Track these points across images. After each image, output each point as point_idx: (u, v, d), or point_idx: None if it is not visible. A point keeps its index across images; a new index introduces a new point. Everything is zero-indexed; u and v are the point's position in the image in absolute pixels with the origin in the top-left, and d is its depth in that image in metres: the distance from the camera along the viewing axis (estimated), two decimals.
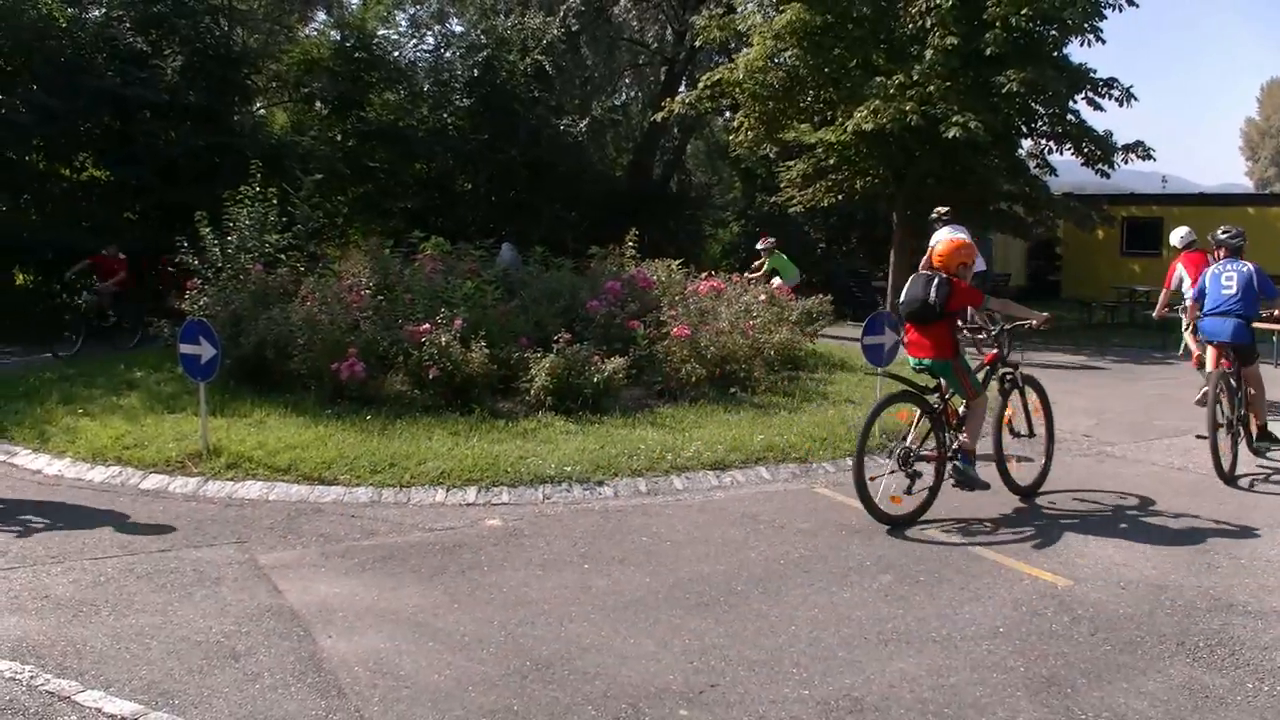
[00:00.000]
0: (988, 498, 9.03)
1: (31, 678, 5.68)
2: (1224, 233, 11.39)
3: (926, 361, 8.91)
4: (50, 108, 20.56)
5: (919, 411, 8.93)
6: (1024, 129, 22.62)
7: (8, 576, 7.40)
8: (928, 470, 8.82)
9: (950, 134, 18.92)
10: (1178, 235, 14.43)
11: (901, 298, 9.17)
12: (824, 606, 6.83)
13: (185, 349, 10.59)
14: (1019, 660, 5.99)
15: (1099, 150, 21.77)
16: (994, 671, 5.84)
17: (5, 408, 12.74)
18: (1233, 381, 10.48)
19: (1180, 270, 13.96)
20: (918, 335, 8.93)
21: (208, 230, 15.08)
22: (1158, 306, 14.48)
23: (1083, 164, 22.34)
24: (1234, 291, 10.63)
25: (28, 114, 20.62)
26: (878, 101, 19.63)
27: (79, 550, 8.02)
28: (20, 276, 22.31)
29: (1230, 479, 10.07)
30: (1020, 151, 23.27)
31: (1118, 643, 6.24)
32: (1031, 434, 9.86)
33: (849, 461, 10.64)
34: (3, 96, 21.28)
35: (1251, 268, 10.65)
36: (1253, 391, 10.67)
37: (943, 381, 9.06)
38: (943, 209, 15.94)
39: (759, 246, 20.85)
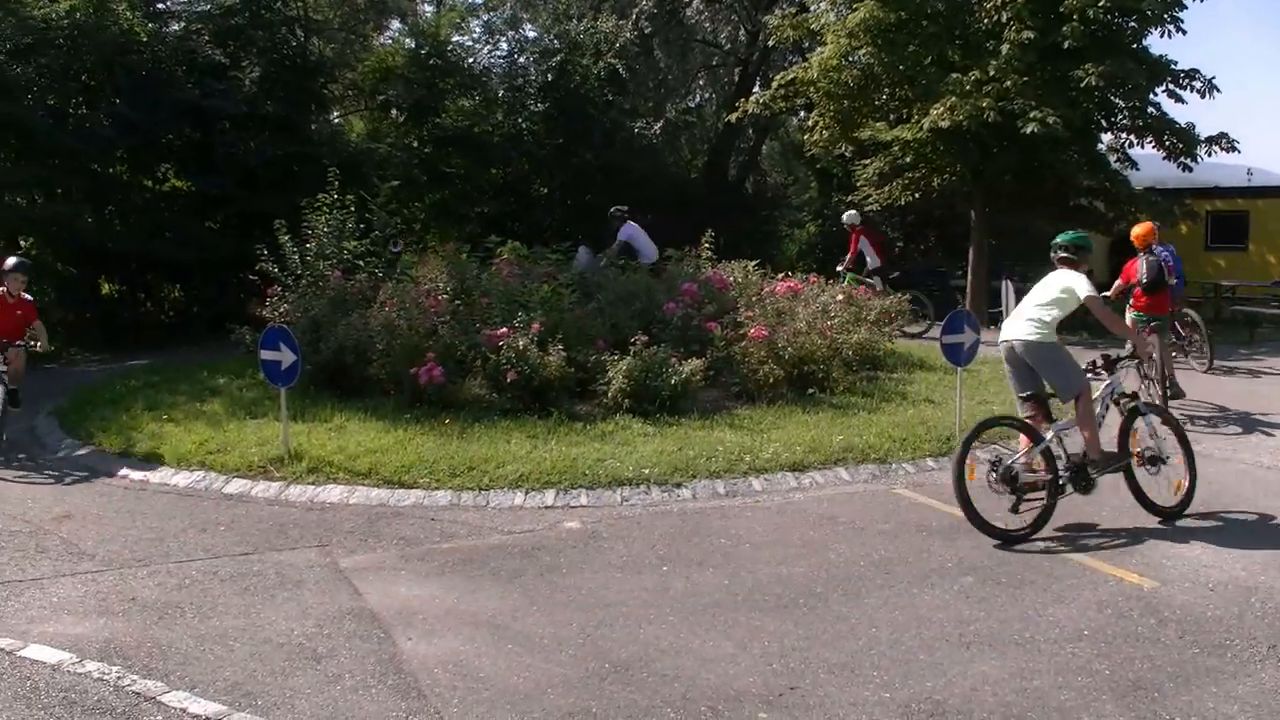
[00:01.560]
0: (1071, 500, 8.90)
1: (119, 678, 5.77)
2: None
3: None
4: (132, 120, 20.85)
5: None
6: (1103, 123, 22.25)
7: (96, 579, 7.53)
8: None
9: (1028, 130, 18.67)
10: None
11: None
12: (905, 608, 6.79)
13: (266, 355, 10.72)
14: (1104, 664, 5.90)
15: (1181, 143, 21.37)
16: (1079, 675, 5.76)
17: (93, 414, 12.96)
18: None
19: None
20: None
21: (287, 238, 15.23)
22: None
23: (1164, 157, 21.93)
24: None
25: (111, 126, 20.93)
26: (954, 98, 19.41)
27: (164, 554, 8.15)
28: (106, 286, 22.65)
29: None
30: (1100, 146, 22.90)
31: (1206, 646, 6.14)
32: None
33: (929, 462, 10.65)
34: (87, 110, 21.64)
35: None
36: None
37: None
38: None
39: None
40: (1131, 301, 14.03)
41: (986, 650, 6.12)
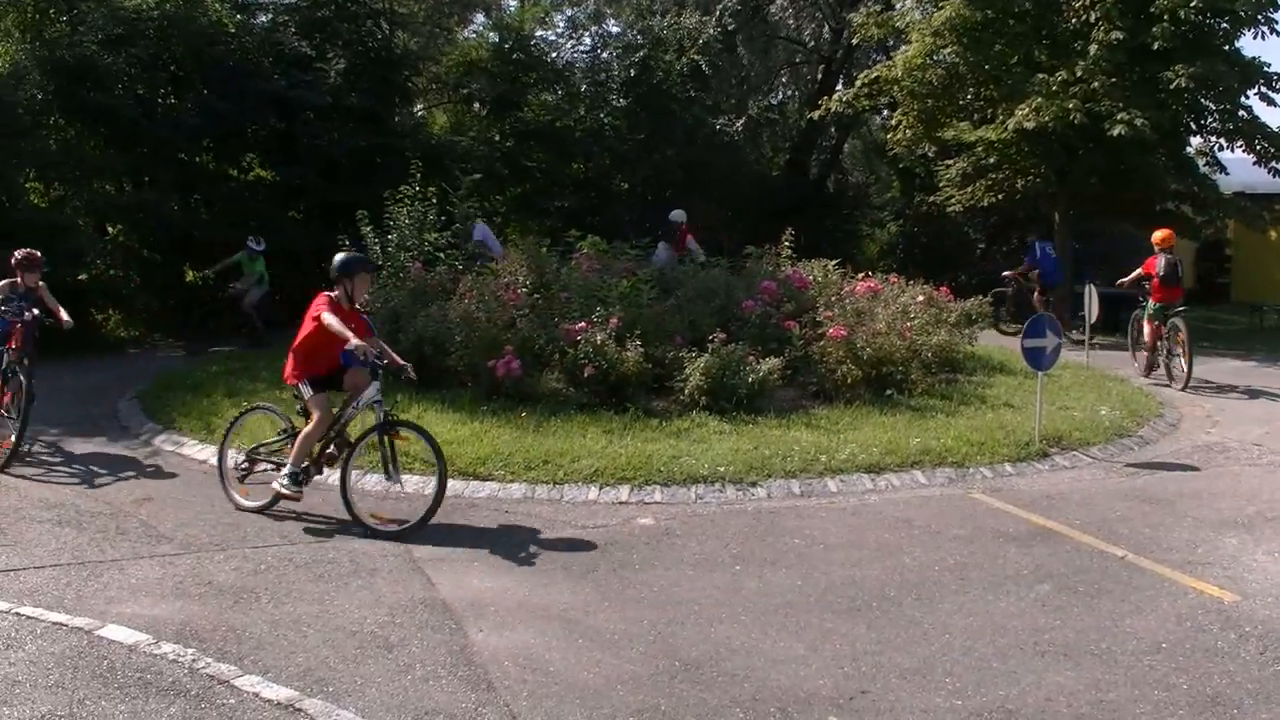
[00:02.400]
0: (1151, 506, 8.76)
1: (193, 661, 5.83)
2: None
3: None
4: (219, 110, 21.13)
5: None
6: (1192, 126, 21.90)
7: (173, 562, 7.62)
8: None
9: (1115, 132, 18.41)
10: None
11: None
12: (979, 615, 6.70)
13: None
14: (1182, 678, 5.79)
15: (1272, 147, 20.98)
16: (1155, 688, 5.66)
17: (174, 400, 13.13)
18: None
19: None
20: None
21: (368, 229, 15.34)
22: None
23: (1255, 162, 21.55)
24: None
25: (198, 116, 21.22)
26: (1039, 99, 19.19)
27: (241, 539, 8.24)
28: (190, 273, 22.96)
29: None
30: (1188, 149, 22.55)
31: None
32: None
33: (1008, 467, 10.53)
34: (175, 100, 21.97)
35: None
36: None
37: None
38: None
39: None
40: (1151, 294, 15.81)
41: (1062, 660, 6.03)
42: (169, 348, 19.19)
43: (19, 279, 11.36)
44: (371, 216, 15.49)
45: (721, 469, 9.88)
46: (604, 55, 31.00)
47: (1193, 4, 18.76)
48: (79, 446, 11.43)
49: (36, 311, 11.17)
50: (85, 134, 21.15)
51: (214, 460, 10.27)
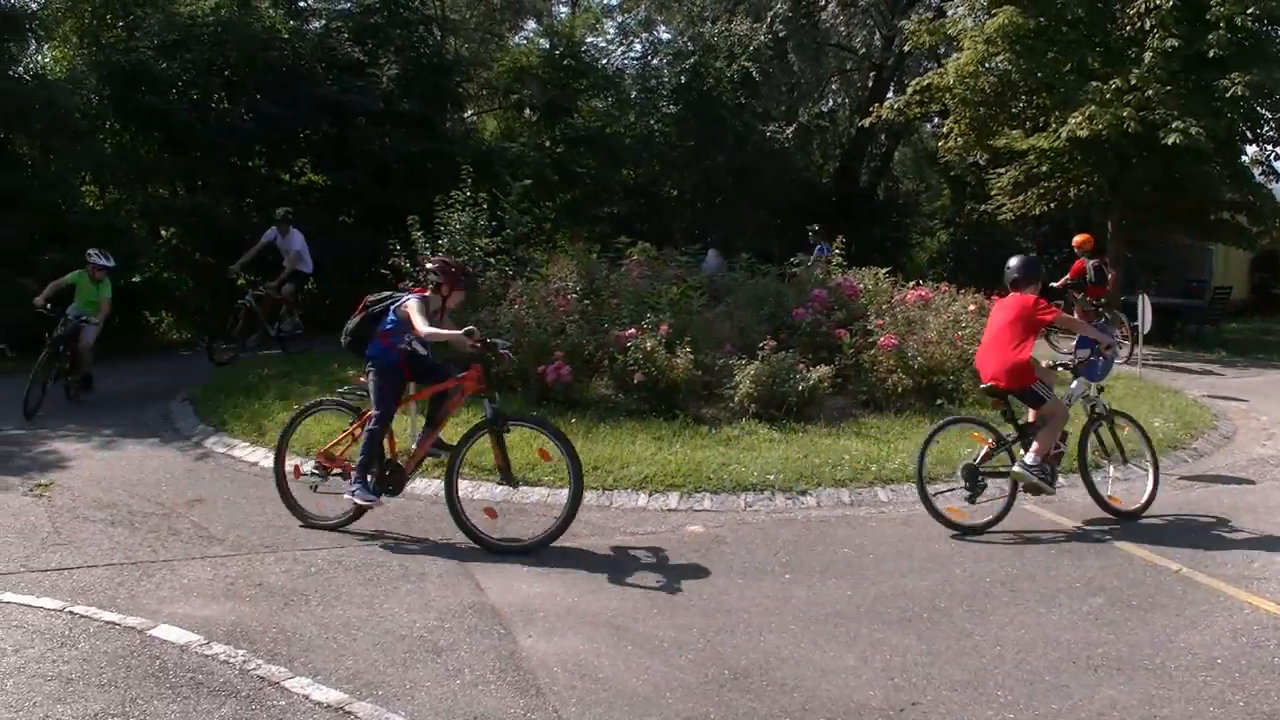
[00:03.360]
0: (1206, 519, 8.66)
1: (244, 662, 5.86)
2: None
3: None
4: (272, 115, 21.30)
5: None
6: (1248, 134, 21.68)
7: (225, 564, 7.67)
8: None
9: (1170, 140, 18.22)
10: None
11: None
12: (1031, 627, 6.64)
13: None
14: (1238, 694, 5.71)
15: None
16: (1210, 705, 5.58)
17: (225, 402, 13.21)
18: None
19: None
20: None
21: (419, 234, 15.39)
22: None
23: None
24: None
25: (251, 121, 21.41)
26: (1093, 107, 19.03)
27: (291, 541, 8.27)
28: (241, 277, 23.12)
29: None
30: (1243, 158, 22.33)
31: None
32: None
33: (1060, 479, 10.34)
34: (228, 105, 22.15)
35: None
36: None
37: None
38: None
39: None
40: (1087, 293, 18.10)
41: (1115, 674, 5.95)
42: (219, 350, 19.30)
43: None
44: (422, 221, 15.54)
45: (771, 477, 9.84)
46: (654, 62, 31.08)
47: (1250, 11, 18.53)
48: (131, 447, 11.53)
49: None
50: (140, 138, 21.39)
51: (267, 463, 10.37)
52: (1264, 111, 20.79)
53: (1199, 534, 8.67)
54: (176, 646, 6.06)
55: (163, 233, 21.94)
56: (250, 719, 5.25)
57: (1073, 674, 5.96)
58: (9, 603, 6.71)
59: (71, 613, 6.53)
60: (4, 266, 17.62)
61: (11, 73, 19.64)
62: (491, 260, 15.53)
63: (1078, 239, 17.84)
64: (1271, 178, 22.38)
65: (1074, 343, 11.74)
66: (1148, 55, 18.97)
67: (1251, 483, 10.58)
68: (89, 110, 20.30)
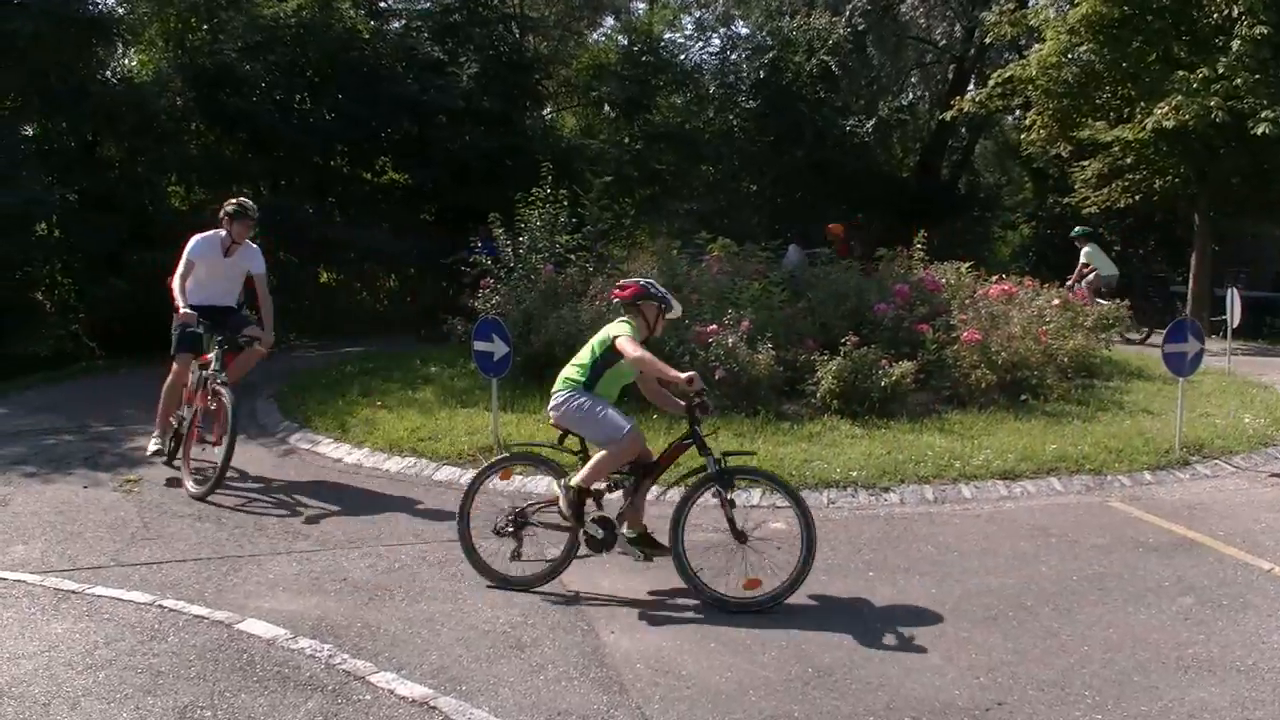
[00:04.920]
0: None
1: (330, 656, 5.91)
2: None
3: None
4: (354, 114, 21.54)
5: None
6: None
7: (310, 559, 7.74)
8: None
9: (1259, 130, 17.89)
10: None
11: None
12: (1119, 627, 6.53)
13: (479, 346, 10.92)
14: None
15: None
16: None
17: (309, 399, 13.37)
18: None
19: None
20: None
21: (500, 230, 15.46)
22: None
23: None
24: None
25: (333, 121, 21.64)
26: (1179, 97, 18.72)
27: (375, 536, 8.34)
28: (324, 275, 23.38)
29: None
30: None
31: None
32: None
33: (1147, 475, 10.27)
34: (311, 105, 22.39)
35: None
36: None
37: None
38: None
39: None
40: None
41: (1206, 675, 5.85)
42: (304, 348, 19.54)
43: None
44: (503, 219, 15.61)
45: (854, 473, 9.78)
46: (733, 57, 31.04)
47: None
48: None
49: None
50: (225, 139, 21.70)
51: (350, 459, 10.49)
52: None
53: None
54: (263, 640, 6.13)
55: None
56: (336, 713, 5.29)
57: (1162, 675, 5.86)
58: (101, 596, 6.82)
59: (161, 606, 6.63)
60: (95, 268, 17.95)
61: (100, 77, 20.00)
62: (572, 257, 15.55)
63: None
64: None
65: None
66: (1235, 43, 18.62)
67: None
68: (175, 112, 20.63)
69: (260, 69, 20.98)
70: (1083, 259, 20.28)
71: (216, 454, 9.68)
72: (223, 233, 10.34)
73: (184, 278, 10.16)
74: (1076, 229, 21.57)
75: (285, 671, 5.72)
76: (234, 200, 10.59)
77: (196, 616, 6.47)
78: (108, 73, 20.76)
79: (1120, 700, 5.54)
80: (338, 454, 11.16)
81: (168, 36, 21.60)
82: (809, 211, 28.09)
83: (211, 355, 9.95)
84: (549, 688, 5.63)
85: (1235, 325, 16.99)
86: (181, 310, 9.89)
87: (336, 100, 22.00)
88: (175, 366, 10.39)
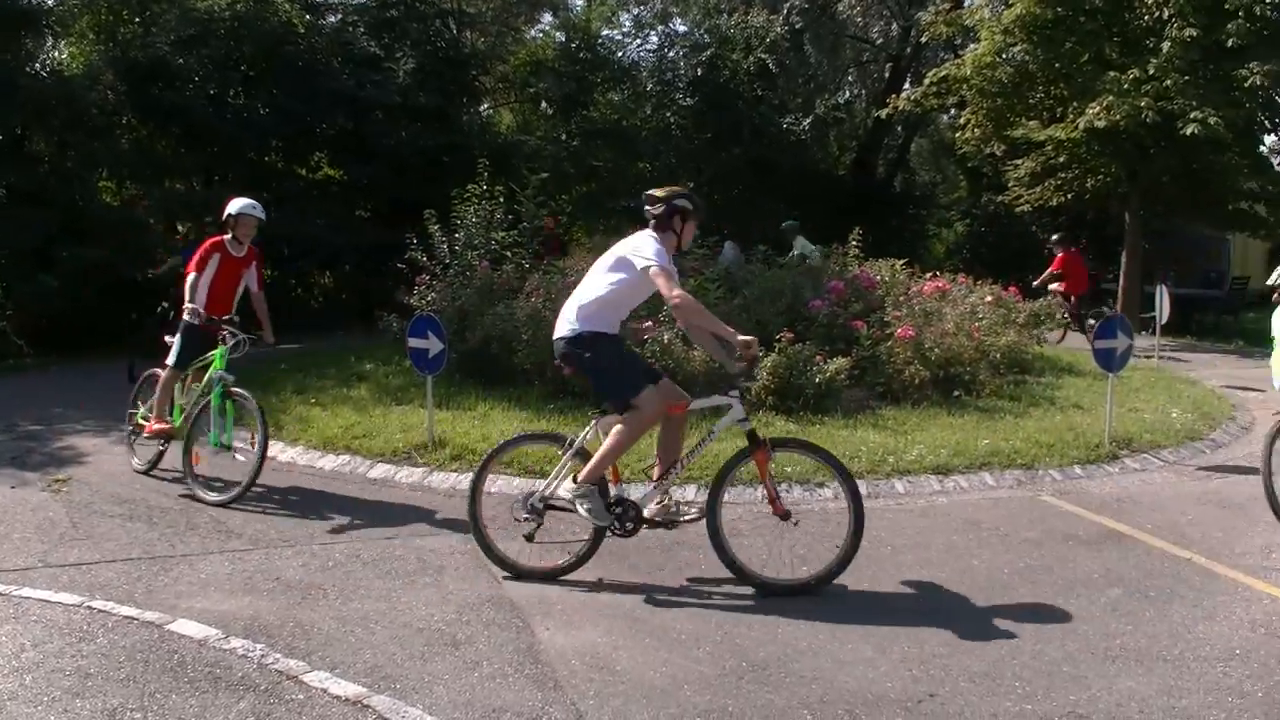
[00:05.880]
0: (1224, 511, 8.63)
1: (262, 656, 5.86)
2: None
3: None
4: (289, 109, 21.41)
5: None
6: (1267, 124, 21.64)
7: (242, 558, 7.68)
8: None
9: (1188, 130, 18.17)
10: None
11: None
12: (1048, 618, 6.61)
13: (413, 343, 10.87)
14: (1257, 685, 5.67)
15: None
16: (1229, 695, 5.54)
17: None
18: None
19: None
20: None
21: (436, 227, 15.41)
22: None
23: None
24: None
25: (268, 115, 21.48)
26: (1111, 97, 18.97)
27: (309, 535, 8.29)
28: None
29: None
30: (1262, 148, 22.28)
31: None
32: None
33: (1077, 470, 10.40)
34: (245, 99, 22.21)
35: None
36: None
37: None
38: None
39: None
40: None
41: (1133, 665, 5.93)
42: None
43: None
44: (439, 215, 15.55)
45: (788, 469, 9.80)
46: (670, 54, 31.07)
47: (1269, 0, 18.50)
48: (149, 442, 11.55)
49: None
50: (157, 133, 21.51)
51: (283, 457, 10.43)
52: None
53: (1217, 525, 8.63)
54: (194, 641, 6.07)
55: (180, 228, 21.99)
56: (268, 713, 5.25)
57: (1090, 665, 5.94)
58: (28, 598, 6.73)
59: (90, 608, 6.55)
60: (23, 263, 17.71)
61: (29, 70, 19.72)
62: (508, 254, 15.53)
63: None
64: None
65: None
66: (1166, 45, 18.91)
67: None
68: (106, 106, 20.39)
69: (194, 63, 20.79)
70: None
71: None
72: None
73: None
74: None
75: (217, 672, 5.67)
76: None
77: (126, 617, 6.39)
78: (37, 65, 20.48)
79: (1050, 690, 5.60)
80: (271, 452, 11.05)
81: (99, 29, 21.36)
82: (746, 209, 28.19)
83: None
84: (484, 685, 5.61)
85: (1164, 322, 17.25)
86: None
87: (271, 95, 21.86)
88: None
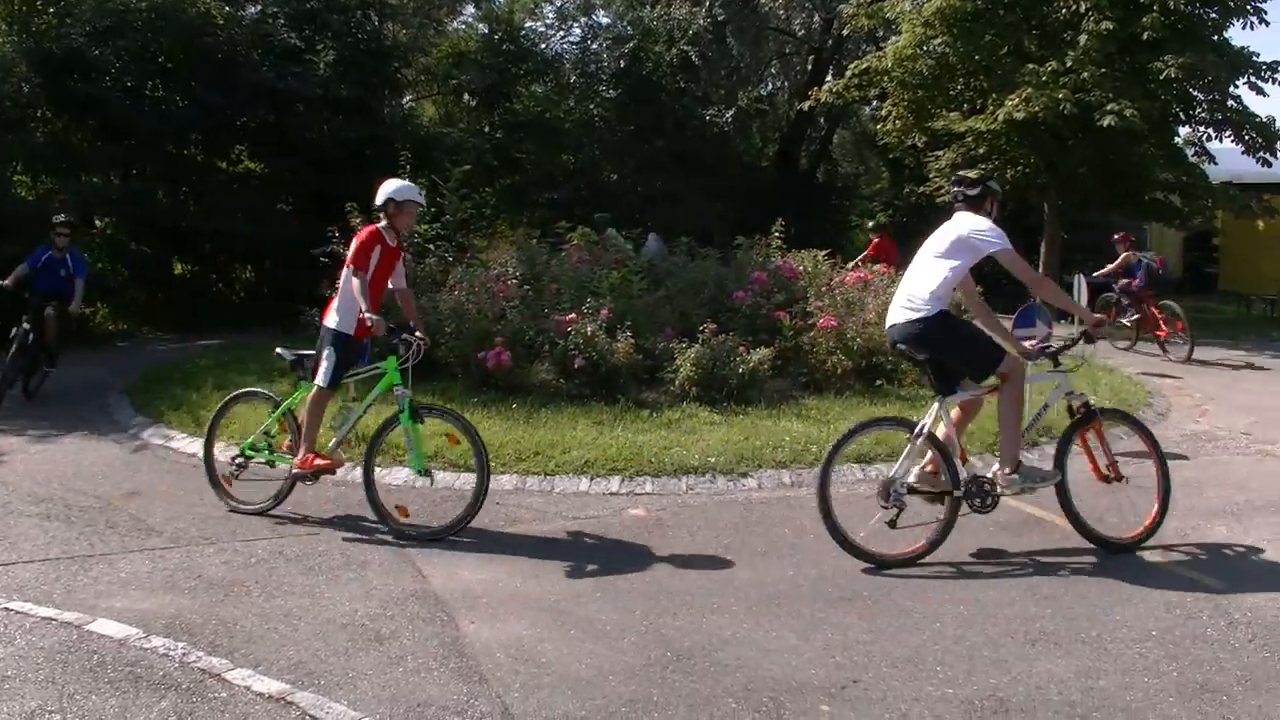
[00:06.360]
0: (1141, 495, 8.77)
1: (184, 655, 5.81)
2: None
3: None
4: (208, 102, 21.09)
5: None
6: (1181, 116, 22.01)
7: (163, 556, 7.60)
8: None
9: (1105, 122, 18.46)
10: None
11: None
12: (969, 604, 6.70)
13: None
14: (1172, 665, 5.79)
15: (1261, 138, 21.09)
16: (1145, 675, 5.66)
17: (163, 393, 13.11)
18: None
19: None
20: None
21: (358, 220, 15.29)
22: None
23: (1243, 152, 21.67)
24: None
25: (187, 108, 21.20)
26: (1030, 89, 19.23)
27: (230, 532, 8.21)
28: (179, 266, 22.92)
29: None
30: (1177, 139, 22.64)
31: (1277, 650, 6.00)
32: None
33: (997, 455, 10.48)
34: (164, 92, 21.88)
35: None
36: None
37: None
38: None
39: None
40: None
41: (1052, 648, 6.03)
42: (158, 341, 19.14)
43: None
44: (362, 208, 15.43)
45: (712, 460, 9.85)
46: (594, 46, 31.04)
47: None
48: (67, 441, 11.41)
49: None
50: (73, 126, 21.15)
51: (224, 457, 10.33)
52: (1196, 93, 21.15)
53: (1135, 509, 8.77)
54: (114, 641, 6.00)
55: (97, 222, 21.69)
56: (190, 711, 5.21)
57: (1011, 648, 6.02)
58: None
59: (6, 609, 6.44)
60: None
61: None
62: (430, 247, 15.45)
63: None
64: (1204, 158, 22.69)
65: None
66: (1083, 38, 19.23)
67: (1185, 458, 10.72)
68: (20, 99, 20.03)
69: (110, 54, 20.45)
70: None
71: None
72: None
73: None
74: None
75: (138, 671, 5.62)
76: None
77: (44, 618, 6.30)
78: None
79: (971, 674, 5.68)
80: (192, 449, 10.92)
81: (11, 19, 20.94)
82: (670, 201, 28.22)
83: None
84: (408, 679, 5.60)
85: None
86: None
87: (190, 88, 21.51)
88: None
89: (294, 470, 8.52)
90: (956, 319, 7.77)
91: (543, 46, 30.63)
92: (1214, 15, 20.55)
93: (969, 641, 6.11)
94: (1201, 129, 22.47)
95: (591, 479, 9.55)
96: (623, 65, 29.03)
